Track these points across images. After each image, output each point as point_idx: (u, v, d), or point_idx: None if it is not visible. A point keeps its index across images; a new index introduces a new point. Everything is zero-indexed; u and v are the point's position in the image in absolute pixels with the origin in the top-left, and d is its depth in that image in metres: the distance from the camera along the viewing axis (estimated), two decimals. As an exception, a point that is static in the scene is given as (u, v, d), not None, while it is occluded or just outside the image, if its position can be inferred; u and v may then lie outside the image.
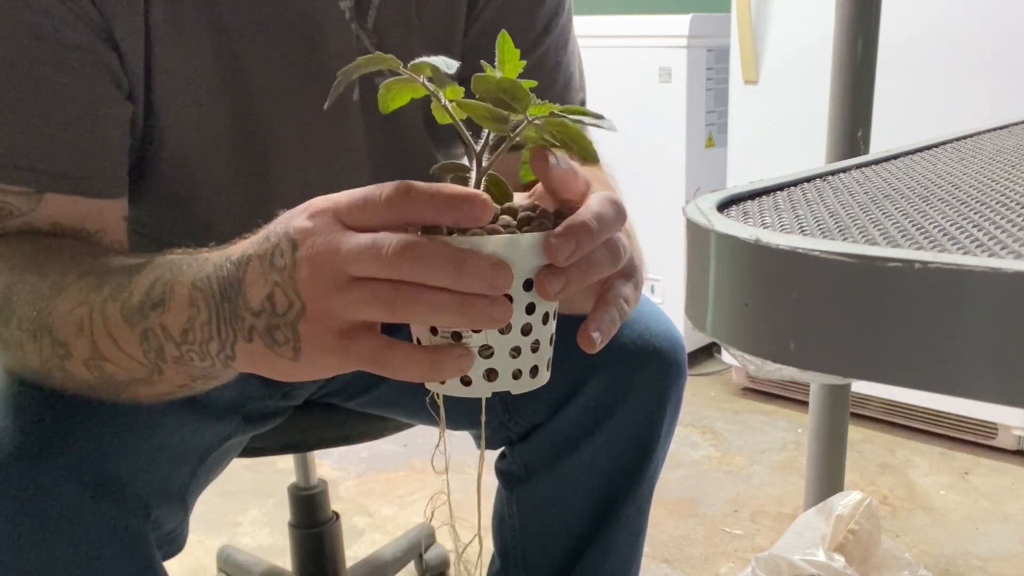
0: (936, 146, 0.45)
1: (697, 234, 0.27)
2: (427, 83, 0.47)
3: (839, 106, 1.19)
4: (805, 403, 1.74)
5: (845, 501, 1.11)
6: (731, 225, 0.26)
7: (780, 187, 0.34)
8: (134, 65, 0.64)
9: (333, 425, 0.95)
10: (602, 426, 0.79)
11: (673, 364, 0.79)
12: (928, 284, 0.21)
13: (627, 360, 0.78)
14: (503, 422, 0.83)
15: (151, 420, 0.63)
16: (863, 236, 0.25)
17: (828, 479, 1.33)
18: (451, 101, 0.48)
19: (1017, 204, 0.28)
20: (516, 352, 0.48)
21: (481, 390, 0.49)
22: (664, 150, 2.17)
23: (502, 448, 0.87)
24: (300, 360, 0.47)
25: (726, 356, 2.29)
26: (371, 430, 0.97)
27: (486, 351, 0.48)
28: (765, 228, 0.26)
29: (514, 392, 0.49)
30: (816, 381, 1.28)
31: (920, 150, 0.44)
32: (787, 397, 2.09)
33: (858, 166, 0.39)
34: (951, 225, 0.26)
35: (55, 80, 0.60)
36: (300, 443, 0.96)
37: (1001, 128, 0.52)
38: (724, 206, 0.31)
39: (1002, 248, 0.23)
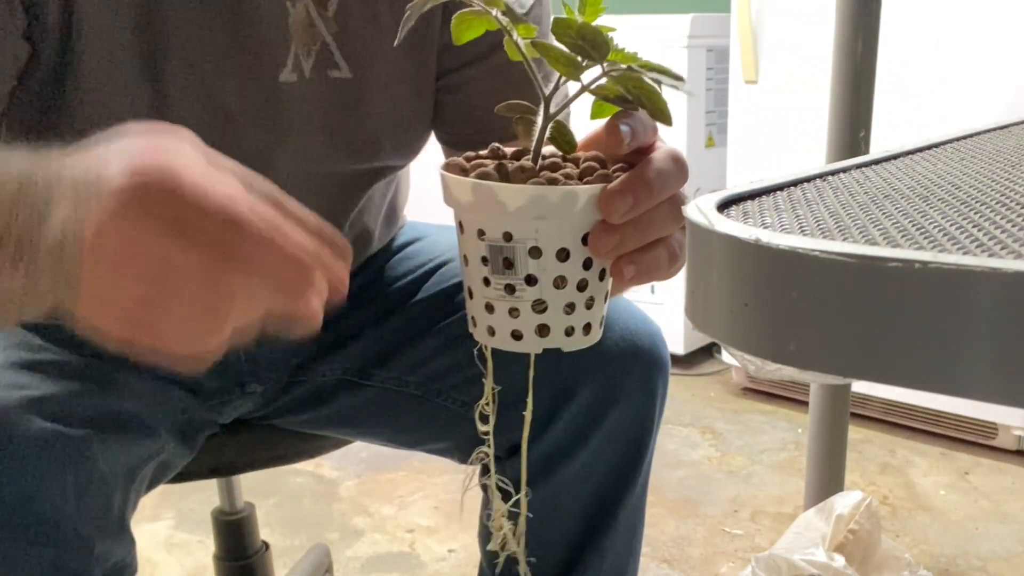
0: (936, 146, 0.45)
1: (697, 234, 0.27)
2: (500, 17, 0.46)
3: (839, 106, 1.19)
4: (805, 403, 1.74)
5: (845, 501, 1.11)
6: (731, 225, 0.26)
7: (780, 187, 0.34)
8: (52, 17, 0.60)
9: (265, 445, 0.90)
10: (595, 433, 0.78)
11: (658, 361, 0.78)
12: (928, 284, 0.21)
13: (614, 363, 0.76)
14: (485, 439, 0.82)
15: (74, 449, 0.59)
16: (863, 236, 0.25)
17: (828, 479, 1.33)
18: (524, 39, 0.46)
19: (1017, 204, 0.28)
20: (570, 308, 0.47)
21: (532, 345, 0.47)
22: (664, 150, 2.18)
23: (483, 462, 0.87)
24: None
25: (726, 356, 2.29)
26: (307, 449, 0.92)
27: (539, 305, 0.46)
28: (765, 228, 0.26)
29: (565, 349, 0.48)
30: (816, 381, 1.28)
31: (920, 150, 0.44)
32: (787, 397, 2.09)
33: (858, 166, 0.39)
34: (951, 225, 0.26)
35: None
36: (231, 465, 0.90)
37: (1001, 128, 0.52)
38: (724, 206, 0.31)
39: (1002, 248, 0.23)
